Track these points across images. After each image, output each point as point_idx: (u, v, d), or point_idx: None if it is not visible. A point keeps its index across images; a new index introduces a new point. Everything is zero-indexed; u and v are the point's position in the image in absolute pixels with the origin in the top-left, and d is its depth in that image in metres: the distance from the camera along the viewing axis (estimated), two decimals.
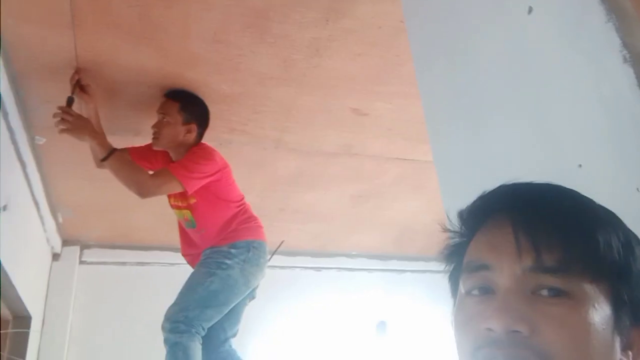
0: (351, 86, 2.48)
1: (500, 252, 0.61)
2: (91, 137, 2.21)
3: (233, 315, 2.49)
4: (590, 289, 0.58)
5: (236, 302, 2.43)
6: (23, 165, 2.72)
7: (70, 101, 2.24)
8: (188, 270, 2.55)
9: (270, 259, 2.64)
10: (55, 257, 3.77)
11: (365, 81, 2.45)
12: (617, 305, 0.59)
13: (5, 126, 2.39)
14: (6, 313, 3.04)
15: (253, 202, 2.66)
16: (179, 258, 3.69)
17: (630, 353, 0.59)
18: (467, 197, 1.55)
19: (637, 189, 0.90)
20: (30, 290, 3.13)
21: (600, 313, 0.58)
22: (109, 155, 2.23)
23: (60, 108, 2.20)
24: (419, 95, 2.65)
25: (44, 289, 3.65)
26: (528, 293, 0.59)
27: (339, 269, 4.27)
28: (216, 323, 2.39)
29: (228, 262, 2.38)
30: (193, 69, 2.30)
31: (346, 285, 4.23)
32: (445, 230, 0.70)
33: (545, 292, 0.58)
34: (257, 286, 2.55)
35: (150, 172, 2.33)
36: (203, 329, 2.30)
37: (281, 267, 3.90)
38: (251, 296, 2.55)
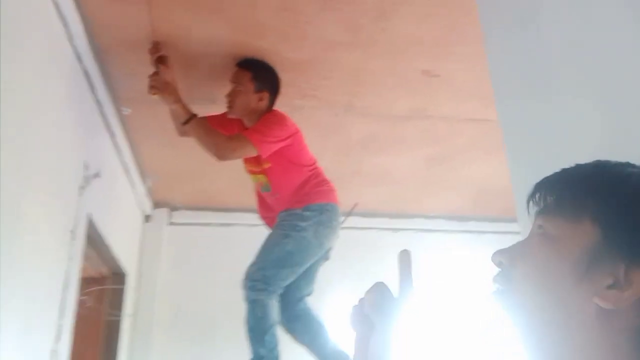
0: (421, 48, 2.44)
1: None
2: (175, 100, 2.34)
3: (308, 275, 2.58)
4: (565, 227, 0.64)
5: (310, 263, 2.52)
6: (112, 135, 2.92)
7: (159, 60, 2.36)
8: (267, 230, 2.66)
9: (344, 221, 2.70)
10: (147, 218, 4.05)
11: (434, 42, 2.41)
12: (599, 245, 0.61)
13: (93, 99, 2.58)
14: (104, 271, 3.32)
15: (326, 166, 2.71)
16: (258, 220, 3.87)
17: (613, 292, 0.59)
18: (533, 159, 1.53)
19: None
20: (124, 250, 3.40)
21: (569, 249, 0.63)
22: (189, 119, 2.35)
23: (152, 74, 2.34)
24: None
25: (137, 248, 3.94)
26: (531, 234, 0.69)
27: (417, 230, 4.27)
28: (292, 282, 2.49)
29: (302, 224, 2.46)
30: (262, 38, 2.35)
31: (423, 247, 4.23)
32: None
33: (539, 231, 0.68)
34: (331, 248, 2.63)
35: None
36: (280, 287, 2.41)
37: (359, 229, 3.96)
38: (325, 257, 2.63)
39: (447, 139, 3.18)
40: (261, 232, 2.68)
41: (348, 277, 4.00)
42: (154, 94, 2.33)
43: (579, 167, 0.70)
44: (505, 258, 0.69)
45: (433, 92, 2.76)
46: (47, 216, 2.10)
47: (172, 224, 4.13)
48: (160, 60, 2.37)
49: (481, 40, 2.40)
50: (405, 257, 0.81)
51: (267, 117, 2.46)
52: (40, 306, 2.07)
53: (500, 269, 0.70)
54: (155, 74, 2.33)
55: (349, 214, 2.87)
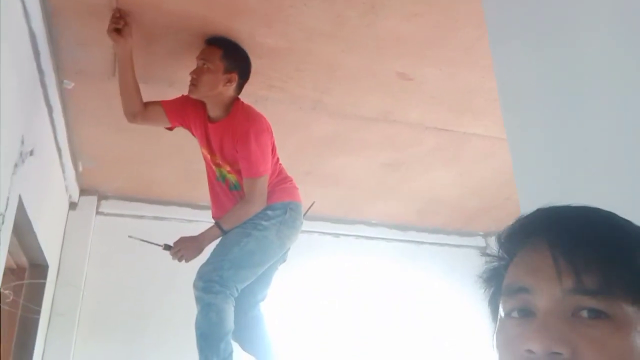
0: (402, 48, 2.36)
1: (539, 274, 0.61)
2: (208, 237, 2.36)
3: (264, 279, 2.42)
4: (631, 311, 0.58)
5: (270, 264, 2.36)
6: (50, 110, 2.60)
7: (167, 247, 2.40)
8: (206, 227, 2.43)
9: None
10: (72, 206, 3.66)
11: (417, 44, 2.33)
12: None
13: (35, 67, 2.27)
14: (23, 261, 2.96)
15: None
16: (197, 215, 3.62)
17: None
18: (541, 178, 1.46)
19: None
20: (48, 239, 3.04)
21: None
22: (220, 229, 2.34)
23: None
24: (469, 63, 2.54)
25: (60, 238, 3.56)
26: (568, 315, 0.59)
27: (358, 236, 4.19)
28: (247, 286, 2.32)
29: (264, 223, 2.30)
30: (240, 19, 2.16)
31: (363, 254, 4.17)
32: (484, 254, 0.71)
33: (585, 314, 0.58)
34: (289, 249, 2.48)
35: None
36: (237, 290, 2.23)
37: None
38: (283, 259, 2.48)
39: (407, 146, 3.12)
40: (199, 229, 2.44)
41: (286, 281, 3.85)
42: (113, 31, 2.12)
43: (604, 230, 0.62)
44: (563, 348, 0.57)
45: (404, 96, 2.69)
46: None
47: (100, 213, 3.77)
48: (117, 31, 2.12)
49: (463, 48, 2.37)
50: None
51: (250, 138, 2.25)
52: None
53: (552, 358, 0.58)
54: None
55: (306, 212, 2.73)
